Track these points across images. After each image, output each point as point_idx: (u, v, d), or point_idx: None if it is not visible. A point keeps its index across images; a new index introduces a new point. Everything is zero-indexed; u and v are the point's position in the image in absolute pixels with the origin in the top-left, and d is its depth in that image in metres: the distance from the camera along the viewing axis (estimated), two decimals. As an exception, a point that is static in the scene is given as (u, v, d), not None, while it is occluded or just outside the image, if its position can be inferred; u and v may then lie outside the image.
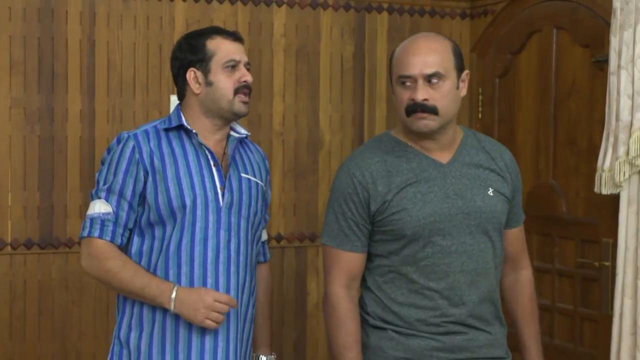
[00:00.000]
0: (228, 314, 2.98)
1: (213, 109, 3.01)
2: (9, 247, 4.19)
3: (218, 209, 2.99)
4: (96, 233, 2.94)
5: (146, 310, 2.96)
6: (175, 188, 2.95)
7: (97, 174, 3.02)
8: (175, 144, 3.00)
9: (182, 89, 3.06)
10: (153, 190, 2.94)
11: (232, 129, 3.12)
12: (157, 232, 2.96)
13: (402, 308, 2.87)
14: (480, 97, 4.93)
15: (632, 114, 3.72)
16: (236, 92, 3.00)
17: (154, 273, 2.95)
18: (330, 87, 4.76)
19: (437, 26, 4.93)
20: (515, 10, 4.67)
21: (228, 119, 3.05)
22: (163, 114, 4.24)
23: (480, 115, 4.93)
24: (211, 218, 2.98)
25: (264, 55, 4.62)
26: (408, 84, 2.82)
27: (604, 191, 3.84)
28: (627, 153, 3.73)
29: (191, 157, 3.00)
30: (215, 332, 2.96)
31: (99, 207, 2.95)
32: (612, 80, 3.81)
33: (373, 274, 2.94)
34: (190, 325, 2.93)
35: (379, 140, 2.98)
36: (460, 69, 2.87)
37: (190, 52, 3.02)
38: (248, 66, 3.06)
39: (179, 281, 2.94)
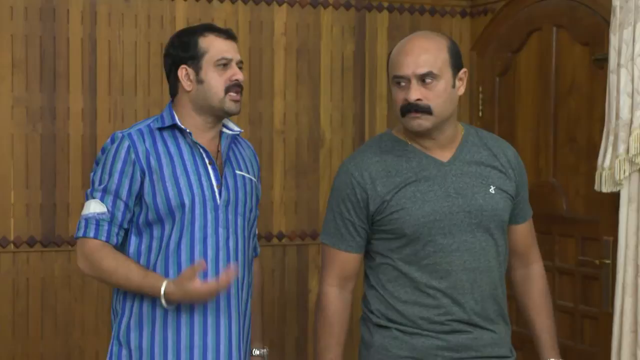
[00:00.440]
0: (230, 311, 3.00)
1: (204, 107, 3.01)
2: (12, 245, 4.21)
3: (216, 207, 2.99)
4: (91, 233, 2.93)
5: (146, 309, 2.96)
6: (173, 187, 2.94)
7: (91, 174, 3.01)
8: (170, 143, 3.00)
9: (174, 86, 3.05)
10: (150, 190, 2.93)
11: (224, 125, 3.11)
12: (156, 232, 2.95)
13: (405, 306, 2.87)
14: (481, 95, 4.94)
15: (632, 112, 3.73)
16: (227, 90, 2.99)
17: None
18: (331, 86, 4.78)
19: (437, 25, 4.95)
20: (515, 9, 4.69)
21: (219, 116, 3.04)
22: (165, 113, 4.26)
23: (480, 114, 4.95)
24: (209, 216, 2.98)
25: (264, 53, 4.64)
26: (402, 84, 2.82)
27: (604, 189, 3.85)
28: (627, 151, 3.74)
29: (186, 155, 2.99)
30: (217, 329, 2.97)
31: (94, 207, 2.94)
32: (611, 78, 3.82)
33: (376, 272, 2.94)
34: (192, 323, 2.94)
35: (380, 139, 2.98)
36: (457, 67, 2.87)
37: (182, 49, 3.00)
38: (240, 64, 3.05)
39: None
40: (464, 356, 2.88)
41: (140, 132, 2.99)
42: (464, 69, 2.90)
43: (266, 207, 4.63)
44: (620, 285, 3.80)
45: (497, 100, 4.84)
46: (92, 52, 4.32)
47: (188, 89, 3.00)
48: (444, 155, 2.90)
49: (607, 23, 3.93)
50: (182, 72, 3.00)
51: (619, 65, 3.78)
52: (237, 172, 3.09)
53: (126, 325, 2.99)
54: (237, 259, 3.03)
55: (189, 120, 3.02)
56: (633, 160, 3.73)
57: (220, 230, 2.99)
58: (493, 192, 2.90)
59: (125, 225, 2.97)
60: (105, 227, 2.94)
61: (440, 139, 2.89)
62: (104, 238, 2.93)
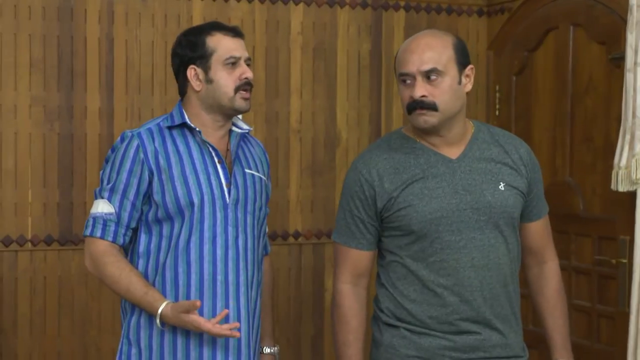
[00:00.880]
0: (239, 309, 3.00)
1: (214, 106, 3.01)
2: (30, 244, 4.24)
3: (225, 206, 2.99)
4: (98, 233, 2.95)
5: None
6: (182, 186, 2.94)
7: (101, 172, 3.02)
8: (180, 141, 3.00)
9: (182, 86, 3.05)
10: (160, 189, 2.94)
11: (233, 124, 3.11)
12: (165, 230, 2.96)
13: (414, 305, 2.88)
14: (498, 94, 4.94)
15: (648, 111, 3.73)
16: (237, 89, 2.98)
17: (163, 271, 2.96)
18: (347, 85, 4.78)
19: (453, 24, 4.94)
20: (531, 8, 4.68)
21: (229, 115, 3.05)
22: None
23: (497, 113, 4.94)
24: (219, 215, 2.98)
25: (281, 53, 4.65)
26: (408, 81, 2.84)
27: (621, 188, 3.84)
28: (644, 150, 3.74)
29: (196, 154, 2.99)
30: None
31: (102, 207, 2.96)
32: (628, 77, 3.81)
33: (387, 270, 2.95)
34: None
35: (389, 137, 3.00)
36: (463, 64, 2.87)
37: (190, 49, 3.00)
38: (249, 62, 3.04)
39: (188, 279, 2.95)
40: (472, 357, 2.88)
41: (150, 131, 3.00)
42: (470, 66, 2.90)
43: (282, 206, 4.64)
44: (636, 285, 3.78)
45: (514, 99, 4.83)
46: (110, 52, 4.34)
47: (197, 88, 3.01)
48: (453, 152, 2.91)
49: (624, 21, 3.92)
50: (191, 72, 3.00)
51: (635, 63, 3.77)
52: (247, 170, 3.09)
53: (136, 324, 3.00)
54: (246, 258, 3.03)
55: (199, 119, 3.03)
56: (650, 159, 3.72)
57: (230, 229, 3.00)
58: (503, 188, 2.89)
59: (133, 225, 2.98)
60: (112, 228, 2.94)
61: (448, 136, 2.90)
62: (110, 239, 2.94)
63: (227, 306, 2.97)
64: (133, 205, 2.95)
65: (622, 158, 3.82)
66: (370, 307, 3.04)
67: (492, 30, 4.99)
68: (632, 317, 3.80)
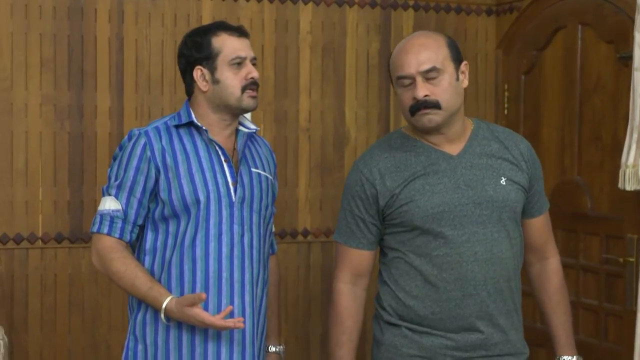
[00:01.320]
0: (244, 308, 3.02)
1: (221, 106, 3.04)
2: (40, 242, 4.27)
3: (231, 204, 3.02)
4: (105, 230, 2.98)
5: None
6: (189, 184, 2.97)
7: (108, 170, 3.05)
8: (187, 140, 3.03)
9: (189, 86, 3.08)
10: (166, 187, 2.97)
11: (240, 123, 3.14)
12: (171, 227, 2.99)
13: (416, 301, 2.89)
14: (506, 93, 4.95)
15: (655, 110, 3.74)
16: (244, 89, 3.01)
17: (169, 268, 2.98)
18: (356, 84, 4.80)
19: (462, 23, 4.96)
20: (540, 7, 4.69)
21: (237, 114, 3.07)
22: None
23: (506, 112, 4.95)
24: (224, 213, 3.00)
25: (290, 52, 4.67)
26: (407, 83, 2.85)
27: (628, 187, 3.84)
28: (651, 149, 3.74)
29: (202, 153, 3.02)
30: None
31: (109, 204, 2.99)
32: (636, 76, 3.81)
33: (389, 267, 2.96)
34: None
35: (389, 137, 3.02)
36: (458, 60, 2.90)
37: (195, 50, 3.03)
38: (254, 61, 3.07)
39: (194, 276, 2.97)
40: (474, 355, 2.89)
41: (157, 129, 3.03)
42: (464, 62, 2.93)
43: (291, 204, 4.66)
44: (643, 283, 3.80)
45: (523, 98, 4.84)
46: (120, 51, 4.37)
47: (204, 89, 3.04)
48: (454, 149, 2.93)
49: (632, 21, 3.92)
50: (197, 73, 3.03)
51: (643, 63, 3.78)
52: (253, 169, 3.11)
53: (142, 320, 3.03)
54: (252, 256, 3.05)
55: (206, 118, 3.06)
56: (656, 158, 3.73)
57: (235, 227, 3.02)
58: (504, 183, 2.91)
59: (140, 222, 3.01)
60: (119, 225, 2.98)
61: (449, 134, 2.92)
62: (117, 235, 2.98)
63: (232, 303, 2.99)
64: (140, 202, 2.98)
65: (629, 157, 3.83)
66: (368, 308, 3.05)
67: (501, 30, 5.00)
68: (639, 315, 3.80)
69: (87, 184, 4.32)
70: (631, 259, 4.03)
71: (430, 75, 2.83)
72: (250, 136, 3.18)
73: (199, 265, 2.97)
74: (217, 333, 2.97)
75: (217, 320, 2.84)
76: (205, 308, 2.93)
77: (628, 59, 3.99)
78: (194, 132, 3.05)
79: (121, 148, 3.03)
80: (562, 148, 4.54)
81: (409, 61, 2.83)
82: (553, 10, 4.60)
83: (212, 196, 2.99)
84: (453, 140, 2.93)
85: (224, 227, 3.00)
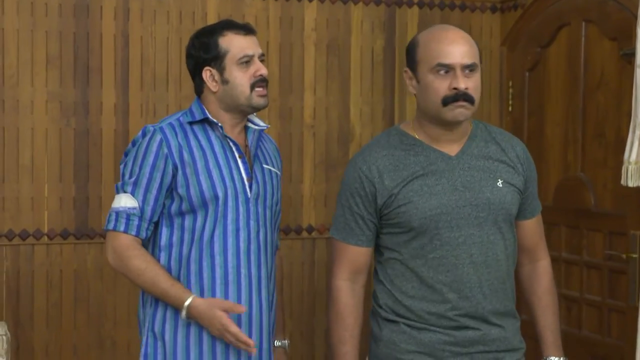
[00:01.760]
0: (261, 303, 3.03)
1: (231, 105, 3.04)
2: (46, 238, 4.29)
3: (247, 200, 3.03)
4: (122, 227, 2.96)
5: None
6: (207, 180, 2.97)
7: (121, 167, 3.04)
8: (201, 136, 3.03)
9: (199, 86, 3.09)
10: (184, 182, 2.96)
11: (249, 120, 3.15)
12: (187, 222, 2.98)
13: (413, 301, 2.89)
14: (511, 90, 4.96)
15: (658, 107, 3.74)
16: (253, 87, 3.02)
17: (188, 264, 2.98)
18: (361, 81, 4.81)
19: (467, 20, 4.97)
20: (544, 4, 4.69)
21: (247, 112, 3.08)
22: (195, 108, 4.32)
23: (510, 109, 4.96)
24: (241, 209, 3.01)
25: (295, 49, 4.68)
26: (444, 72, 2.81)
27: (630, 184, 3.85)
28: (654, 145, 3.75)
29: (218, 149, 3.02)
30: (249, 322, 3.01)
31: (125, 201, 2.97)
32: (638, 73, 3.81)
33: (385, 267, 2.96)
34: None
35: (388, 134, 3.00)
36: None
37: (203, 51, 3.03)
38: (262, 57, 3.07)
39: (213, 271, 2.97)
40: (472, 351, 2.89)
41: (172, 126, 3.02)
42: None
43: (296, 200, 4.68)
44: (645, 280, 3.81)
45: (527, 95, 4.85)
46: (125, 48, 4.39)
47: (214, 89, 3.04)
48: (452, 149, 2.92)
49: (636, 18, 3.92)
50: (207, 74, 3.04)
51: (645, 59, 3.78)
52: (265, 166, 3.13)
53: (162, 318, 3.01)
54: (266, 251, 3.08)
55: (217, 117, 3.06)
56: (659, 154, 3.73)
57: (252, 223, 3.03)
58: (501, 185, 2.91)
59: (155, 219, 3.00)
60: (136, 222, 2.96)
61: (458, 131, 2.92)
62: (133, 233, 2.96)
63: (250, 299, 3.01)
64: (156, 199, 2.97)
65: (632, 153, 3.83)
66: (367, 304, 3.06)
67: (505, 27, 5.01)
68: (641, 311, 3.82)
69: (93, 180, 4.35)
70: (634, 255, 4.04)
71: (469, 69, 2.82)
72: (260, 133, 3.18)
73: (218, 260, 2.98)
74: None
75: (239, 333, 2.85)
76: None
77: (631, 55, 3.99)
78: (208, 128, 3.05)
79: (134, 144, 3.02)
80: (565, 145, 4.55)
81: (454, 51, 2.80)
82: (557, 7, 4.61)
83: (229, 192, 2.99)
84: (454, 140, 2.93)
85: (241, 223, 3.01)
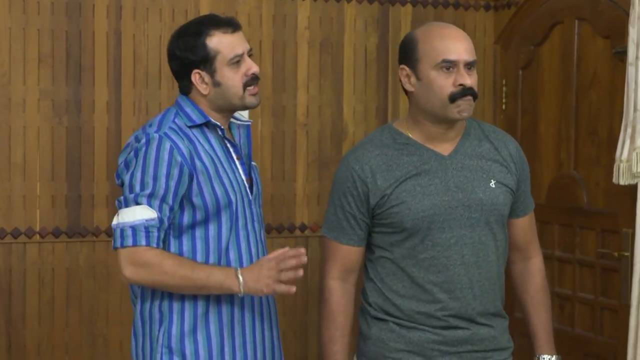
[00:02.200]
0: (269, 303, 3.00)
1: (223, 106, 2.94)
2: (38, 236, 4.29)
3: (250, 203, 2.96)
4: (143, 241, 2.76)
5: (201, 312, 2.87)
6: (220, 186, 2.86)
7: (128, 177, 2.83)
8: (203, 140, 2.89)
9: (186, 87, 2.96)
10: (199, 191, 2.82)
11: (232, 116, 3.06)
12: (198, 232, 2.86)
13: (403, 301, 2.89)
14: (504, 88, 4.96)
15: (649, 105, 3.74)
16: (245, 86, 2.91)
17: None
18: (354, 79, 4.81)
19: (461, 18, 4.96)
20: (537, 2, 4.69)
21: (237, 111, 3.00)
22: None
23: (504, 107, 4.96)
24: (247, 213, 2.94)
25: (288, 47, 4.68)
26: (449, 69, 2.80)
27: (622, 182, 3.85)
28: (645, 143, 3.75)
29: (219, 152, 2.91)
30: (262, 320, 2.97)
31: (141, 214, 2.77)
32: (630, 71, 3.82)
33: (375, 265, 2.95)
34: (243, 320, 2.92)
35: (381, 132, 2.97)
36: None
37: (190, 53, 2.89)
38: (251, 52, 2.96)
39: None
40: (460, 350, 2.89)
41: (174, 131, 2.85)
42: None
43: (289, 199, 4.68)
44: (637, 278, 3.79)
45: (520, 93, 4.86)
46: (117, 46, 4.39)
47: (205, 92, 2.91)
48: (445, 149, 2.90)
49: (628, 16, 3.92)
50: (196, 76, 2.91)
51: (637, 57, 3.78)
52: (252, 163, 3.08)
53: (179, 333, 2.87)
54: (264, 251, 3.02)
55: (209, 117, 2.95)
56: (650, 152, 3.73)
57: (256, 225, 2.98)
58: (494, 186, 2.90)
59: (167, 229, 2.86)
60: (155, 234, 2.78)
61: (455, 129, 2.91)
62: (154, 244, 2.78)
63: (261, 301, 2.97)
64: (171, 209, 2.81)
65: (623, 151, 3.83)
66: (356, 302, 3.05)
67: (499, 25, 5.01)
68: (632, 310, 3.81)
69: (85, 178, 4.35)
70: (626, 253, 4.04)
71: (471, 67, 2.82)
72: (247, 129, 3.11)
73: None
74: (253, 338, 2.94)
75: (284, 251, 2.76)
76: (242, 305, 2.90)
77: (623, 53, 3.99)
78: (206, 130, 2.92)
79: (137, 153, 2.82)
80: (559, 143, 4.55)
81: (458, 48, 2.80)
82: (550, 5, 4.61)
83: (238, 197, 2.90)
84: (449, 138, 2.91)
85: (249, 227, 2.94)
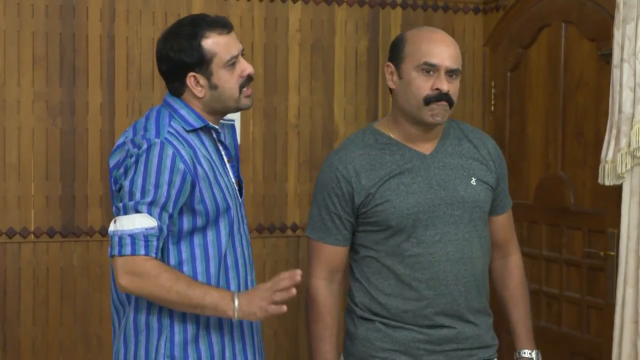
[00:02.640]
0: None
1: (218, 108, 2.87)
2: (32, 236, 4.34)
3: (240, 205, 2.93)
4: (142, 251, 2.68)
5: (202, 322, 2.82)
6: (219, 192, 2.80)
7: (127, 184, 2.72)
8: (199, 144, 2.82)
9: (179, 89, 2.87)
10: (201, 198, 2.76)
11: None
12: (197, 240, 2.80)
13: (389, 299, 2.93)
14: (493, 90, 5.02)
15: (633, 107, 3.78)
16: (241, 88, 2.84)
17: (207, 281, 2.80)
18: (345, 81, 4.86)
19: (450, 21, 5.02)
20: (526, 5, 4.75)
21: (231, 112, 2.94)
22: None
23: (492, 108, 5.02)
24: (239, 215, 2.91)
25: (279, 49, 4.73)
26: (429, 71, 2.84)
27: (607, 182, 3.90)
28: (629, 145, 3.79)
29: (214, 156, 2.86)
30: (250, 324, 2.92)
31: (141, 222, 2.68)
32: (615, 73, 3.87)
33: (360, 265, 2.99)
34: (241, 324, 2.89)
35: (362, 133, 3.02)
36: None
37: (185, 55, 2.79)
38: (243, 52, 2.88)
39: (228, 286, 2.84)
40: (446, 349, 2.94)
41: (173, 136, 2.76)
42: None
43: (280, 199, 4.73)
44: (622, 277, 3.84)
45: (509, 95, 4.91)
46: (111, 49, 4.44)
47: (200, 95, 2.83)
48: (427, 148, 2.96)
49: (613, 19, 3.97)
50: (191, 80, 2.82)
51: (622, 60, 3.83)
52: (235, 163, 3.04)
53: (181, 341, 2.81)
54: (250, 252, 3.00)
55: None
56: (634, 154, 3.77)
57: (245, 227, 2.95)
58: (474, 183, 2.95)
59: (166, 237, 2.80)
60: (154, 243, 2.69)
61: (434, 132, 2.96)
62: (153, 254, 2.69)
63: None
64: (170, 216, 2.72)
65: (608, 152, 3.89)
66: (343, 302, 3.09)
67: (487, 28, 5.07)
68: (617, 308, 3.86)
69: (79, 179, 4.39)
70: (612, 253, 4.08)
71: (453, 74, 2.86)
72: (232, 129, 3.07)
73: (232, 274, 2.86)
74: (252, 341, 2.93)
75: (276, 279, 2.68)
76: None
77: (609, 56, 4.04)
78: (201, 134, 2.85)
79: (137, 159, 2.72)
80: (546, 144, 4.60)
81: (441, 52, 2.84)
82: (538, 8, 4.67)
83: (233, 200, 2.86)
84: (429, 139, 2.96)
85: (242, 230, 2.91)
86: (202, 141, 2.84)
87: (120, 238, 2.69)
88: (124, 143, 2.81)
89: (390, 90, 2.98)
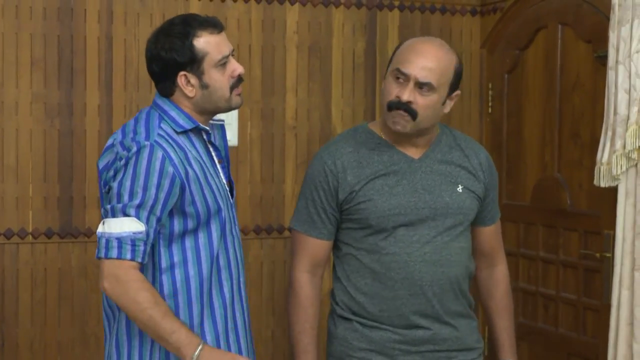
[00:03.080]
0: (248, 307, 2.98)
1: (209, 108, 2.85)
2: (30, 237, 4.35)
3: (231, 206, 2.91)
4: (128, 255, 2.64)
5: (196, 325, 2.79)
6: (210, 193, 2.78)
7: (116, 186, 2.69)
8: (189, 146, 2.80)
9: (169, 89, 2.83)
10: (191, 200, 2.74)
11: None
12: (189, 242, 2.78)
13: (366, 298, 2.95)
14: (490, 92, 5.03)
15: (629, 108, 3.80)
16: (232, 87, 2.83)
17: (199, 284, 2.79)
18: (342, 82, 4.88)
19: (447, 23, 5.04)
20: (522, 7, 4.77)
21: (221, 112, 2.92)
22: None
23: (490, 110, 5.03)
24: (230, 217, 2.89)
25: (277, 51, 4.75)
26: (401, 80, 2.86)
27: (603, 184, 3.92)
28: (624, 146, 3.81)
29: (205, 157, 2.84)
30: (244, 327, 2.93)
31: (129, 226, 2.66)
32: (610, 75, 3.89)
33: (342, 262, 3.02)
34: (235, 318, 2.89)
35: (355, 131, 3.05)
36: (454, 88, 2.93)
37: (177, 54, 2.76)
38: (234, 52, 2.87)
39: (221, 289, 2.83)
40: (422, 350, 2.96)
41: (164, 138, 2.74)
42: (458, 91, 2.96)
43: (278, 200, 4.75)
44: (617, 279, 3.86)
45: (506, 97, 4.92)
46: (109, 50, 4.45)
47: (191, 95, 2.81)
48: (416, 153, 2.98)
49: (609, 21, 3.99)
50: (182, 79, 2.79)
51: (617, 62, 3.85)
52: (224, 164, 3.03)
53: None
54: (242, 254, 2.99)
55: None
56: (629, 155, 3.79)
57: (237, 229, 2.95)
58: (460, 191, 2.97)
59: (157, 239, 2.77)
60: (141, 248, 2.66)
61: (415, 140, 2.97)
62: (139, 259, 2.66)
63: (241, 301, 2.92)
64: (158, 220, 2.70)
65: (604, 154, 3.90)
66: (325, 297, 3.11)
67: (485, 30, 5.08)
68: (612, 310, 3.88)
69: (77, 180, 4.41)
70: (607, 255, 4.10)
71: (423, 87, 2.84)
72: (222, 129, 3.06)
73: (224, 275, 2.85)
74: (245, 332, 2.91)
75: None
76: (233, 316, 2.87)
77: (605, 58, 4.06)
78: (191, 135, 2.83)
79: (127, 162, 2.69)
80: (543, 145, 4.62)
81: (415, 63, 2.84)
82: (534, 10, 4.69)
83: (225, 202, 2.85)
84: (418, 143, 2.98)
85: (234, 232, 2.90)
86: (193, 143, 2.82)
87: (108, 240, 2.66)
88: (112, 145, 2.79)
89: None
